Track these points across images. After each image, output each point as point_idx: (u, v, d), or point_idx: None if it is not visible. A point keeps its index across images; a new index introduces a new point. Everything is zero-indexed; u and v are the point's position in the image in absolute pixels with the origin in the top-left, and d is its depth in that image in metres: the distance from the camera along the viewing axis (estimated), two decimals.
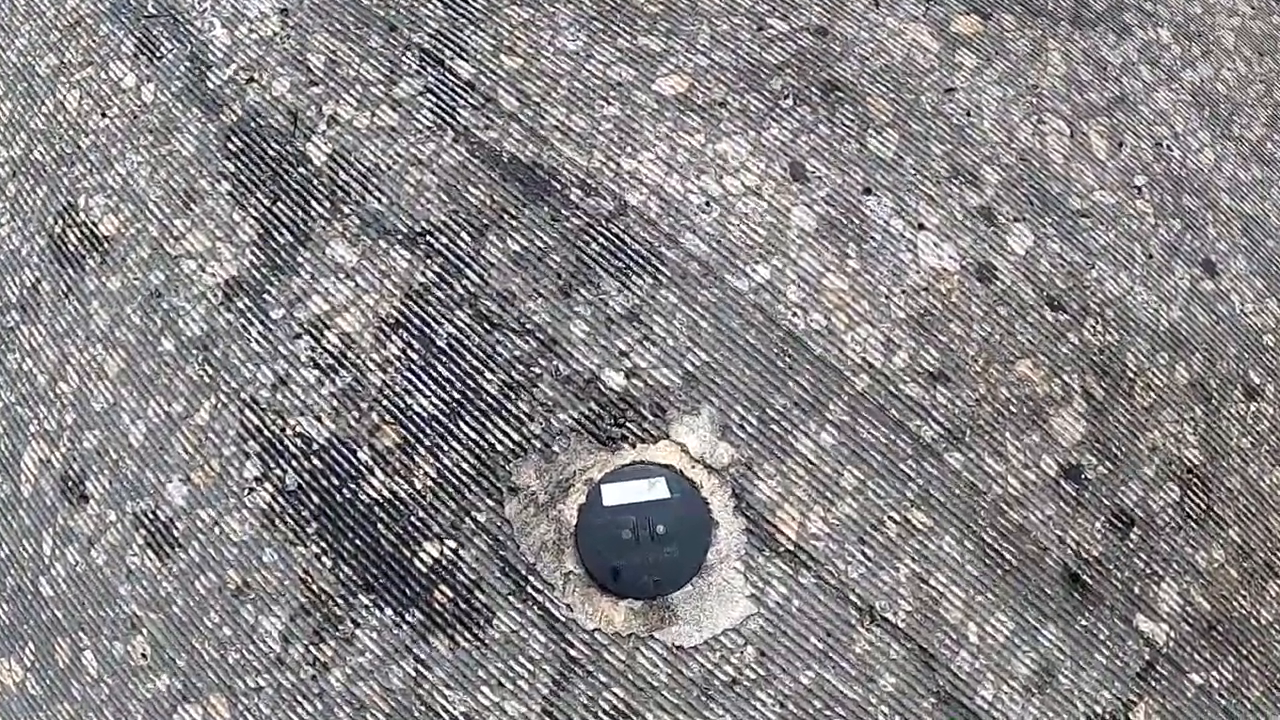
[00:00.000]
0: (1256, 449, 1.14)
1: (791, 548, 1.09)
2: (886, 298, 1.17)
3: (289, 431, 1.11)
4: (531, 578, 1.12)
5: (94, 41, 1.27)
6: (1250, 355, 1.19)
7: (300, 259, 1.15)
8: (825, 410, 1.10)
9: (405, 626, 1.05)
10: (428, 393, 1.13)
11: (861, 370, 1.12)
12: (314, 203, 1.16)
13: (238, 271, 1.14)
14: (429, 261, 1.16)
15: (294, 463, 1.10)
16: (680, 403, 1.13)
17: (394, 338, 1.13)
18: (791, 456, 1.10)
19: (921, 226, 1.21)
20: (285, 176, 1.17)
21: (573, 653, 1.07)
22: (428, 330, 1.14)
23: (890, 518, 1.09)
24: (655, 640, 1.07)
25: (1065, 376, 1.17)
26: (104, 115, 1.22)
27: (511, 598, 1.10)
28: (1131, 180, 1.26)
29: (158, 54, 1.24)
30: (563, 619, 1.08)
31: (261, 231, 1.15)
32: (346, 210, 1.16)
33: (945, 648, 1.04)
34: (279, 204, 1.16)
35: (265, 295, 1.13)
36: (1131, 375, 1.18)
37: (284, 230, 1.16)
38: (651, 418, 1.13)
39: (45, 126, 1.25)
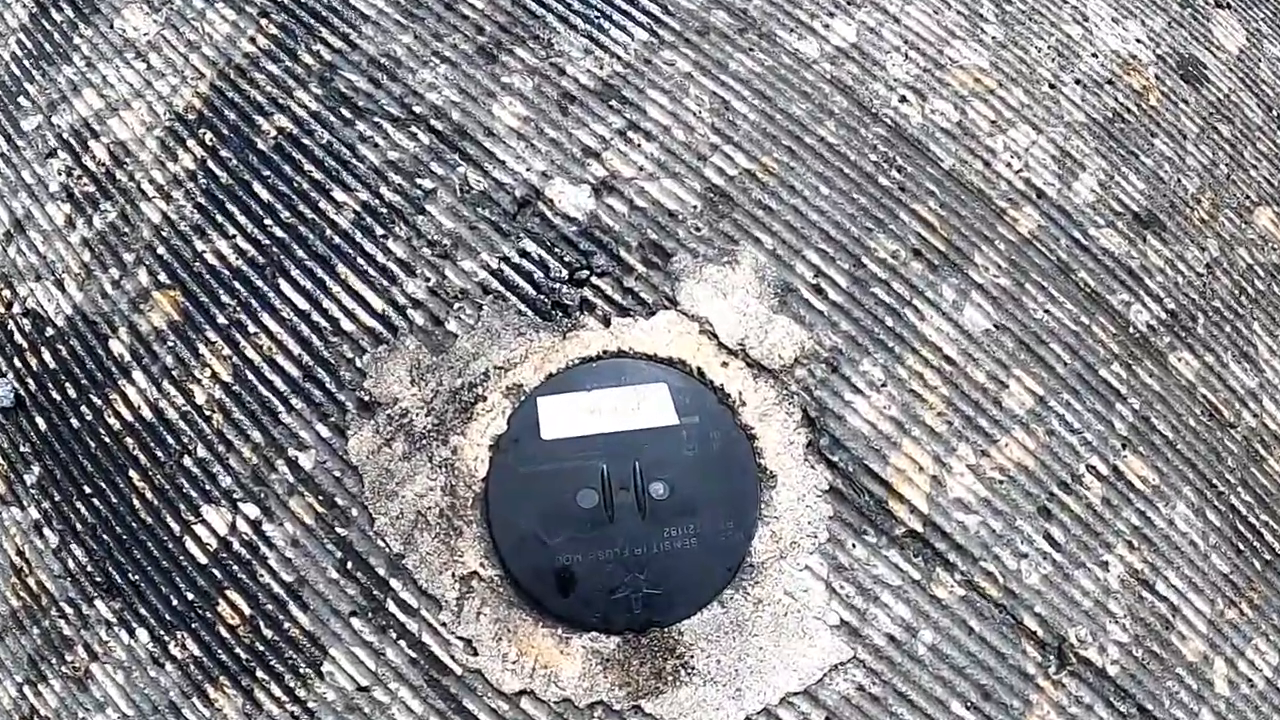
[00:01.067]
0: None
1: (918, 527, 0.61)
2: (1053, 86, 0.74)
3: (16, 308, 0.69)
4: (396, 583, 0.60)
5: None
6: None
7: (77, 40, 0.76)
8: (969, 265, 0.66)
9: (170, 665, 0.59)
10: (231, 230, 0.67)
11: (1025, 199, 0.68)
12: None
13: None
14: (264, 22, 0.73)
15: (16, 360, 0.68)
16: (699, 242, 0.65)
17: (191, 144, 0.70)
18: (913, 349, 0.64)
19: None
20: None
21: None
22: (246, 127, 0.70)
23: (1091, 469, 0.65)
24: (645, 717, 0.56)
25: None
26: None
27: (358, 621, 0.59)
28: None
29: None
30: (457, 669, 0.58)
31: (35, 10, 0.78)
32: None
33: (1179, 707, 0.61)
34: None
35: (21, 98, 0.75)
36: None
37: (64, 4, 0.78)
38: (643, 268, 0.65)
39: None
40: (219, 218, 0.68)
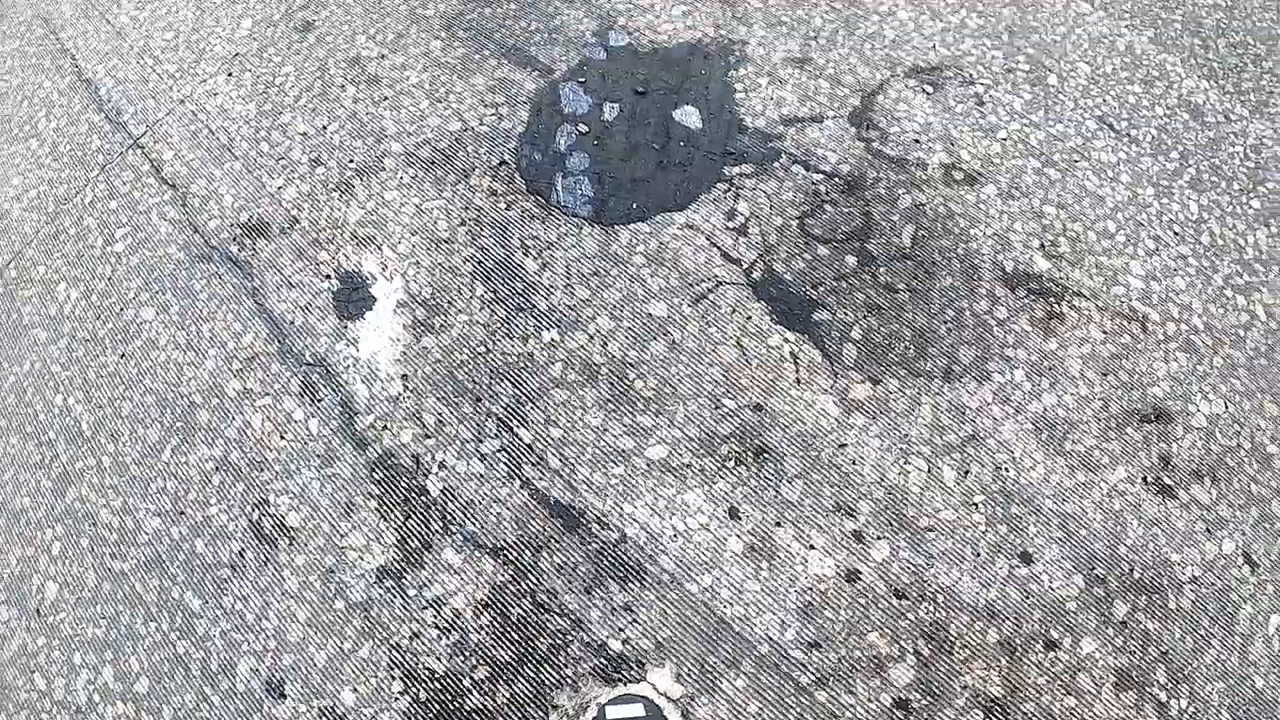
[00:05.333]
0: (1051, 684, 1.10)
1: None
2: (784, 594, 1.21)
3: (420, 666, 1.19)
4: None
5: (268, 376, 1.34)
6: (1053, 618, 1.13)
7: (425, 559, 1.27)
8: (739, 666, 1.15)
9: None
10: (510, 645, 1.24)
11: (764, 641, 1.17)
12: (432, 522, 1.28)
13: (385, 562, 1.27)
14: (503, 569, 1.26)
15: (423, 685, 1.20)
16: (653, 660, 1.15)
17: (485, 614, 1.23)
18: (719, 692, 1.13)
19: (811, 547, 1.22)
20: (413, 502, 1.29)
21: None
22: (502, 600, 1.25)
23: None
24: None
25: (902, 642, 1.15)
26: (282, 438, 1.33)
27: None
28: (971, 499, 1.21)
29: (318, 397, 1.32)
30: None
31: (399, 539, 1.27)
32: (453, 529, 1.27)
33: None
34: (410, 521, 1.28)
35: (403, 579, 1.25)
36: (953, 639, 1.14)
37: (414, 539, 1.28)
38: (636, 667, 1.16)
39: (237, 437, 1.31)
40: (505, 638, 1.24)
